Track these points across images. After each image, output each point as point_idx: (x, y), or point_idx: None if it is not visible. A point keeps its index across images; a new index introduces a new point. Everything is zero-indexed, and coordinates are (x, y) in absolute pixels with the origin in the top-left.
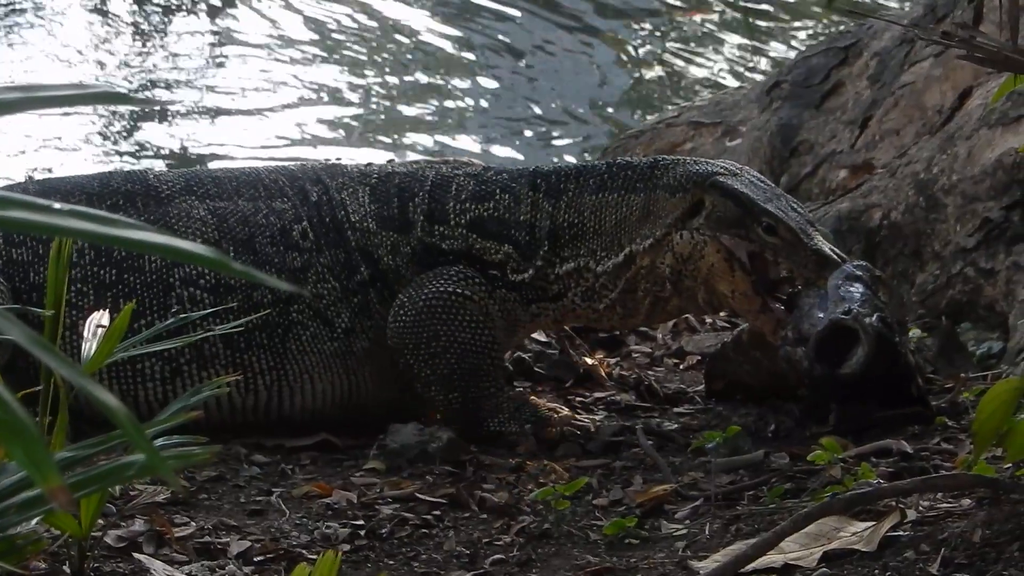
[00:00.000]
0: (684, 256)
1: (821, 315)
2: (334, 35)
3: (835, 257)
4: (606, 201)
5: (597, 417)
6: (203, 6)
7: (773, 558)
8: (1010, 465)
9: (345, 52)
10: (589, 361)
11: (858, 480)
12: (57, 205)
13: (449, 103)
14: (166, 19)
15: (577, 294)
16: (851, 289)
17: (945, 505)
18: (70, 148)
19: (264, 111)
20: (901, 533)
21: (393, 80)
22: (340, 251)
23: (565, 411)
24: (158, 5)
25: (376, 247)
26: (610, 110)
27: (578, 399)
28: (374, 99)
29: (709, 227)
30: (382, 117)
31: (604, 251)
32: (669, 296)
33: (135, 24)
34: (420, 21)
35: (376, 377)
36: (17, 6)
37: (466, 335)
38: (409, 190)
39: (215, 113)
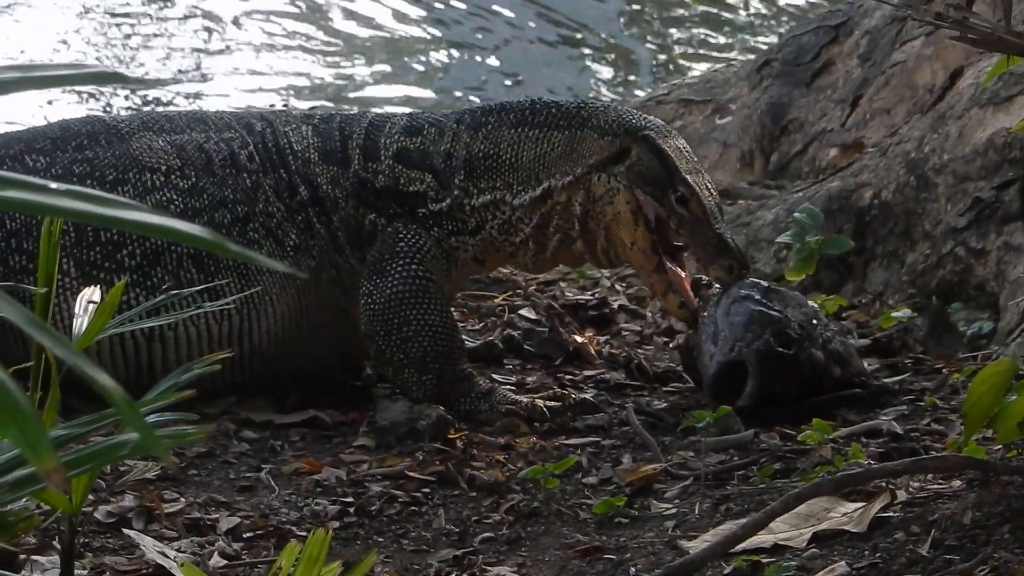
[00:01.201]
0: (596, 197)
1: (713, 352)
2: (324, 23)
3: (734, 247)
4: (525, 136)
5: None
6: None
7: (763, 538)
8: (1000, 447)
9: (332, 40)
10: (579, 339)
11: (848, 461)
12: (53, 185)
13: (425, 91)
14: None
15: (494, 227)
16: (736, 319)
17: (935, 486)
18: None
19: (250, 91)
20: (891, 514)
21: (385, 73)
22: (283, 172)
23: (538, 402)
24: None
25: (316, 176)
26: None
27: (567, 377)
28: (357, 84)
29: (627, 177)
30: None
31: (521, 185)
32: (576, 237)
33: (126, 10)
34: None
35: (320, 300)
36: None
37: (436, 317)
38: (349, 128)
39: (199, 96)
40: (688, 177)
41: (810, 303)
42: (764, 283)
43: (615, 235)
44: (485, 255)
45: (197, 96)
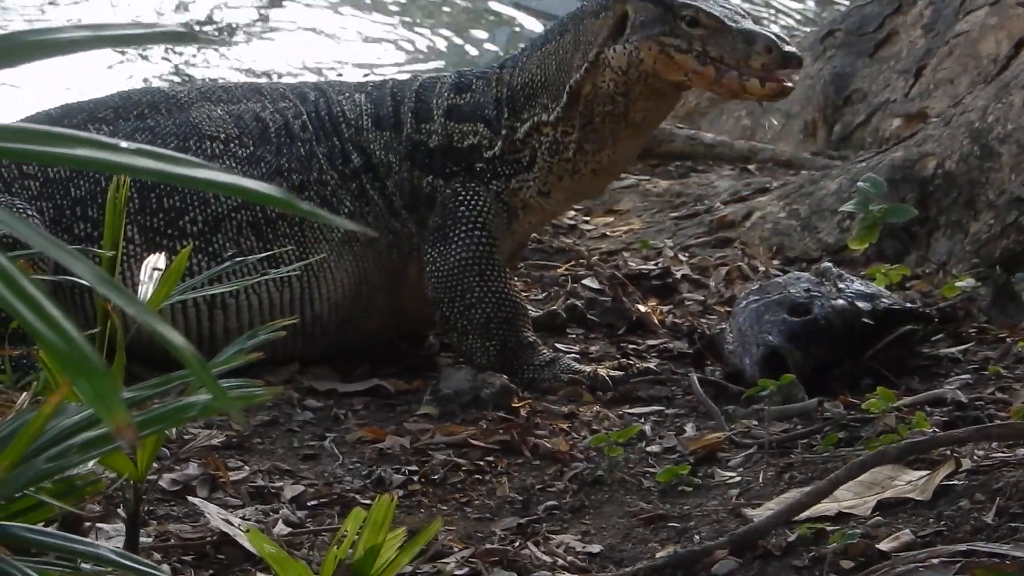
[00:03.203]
0: (624, 68)
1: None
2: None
3: (761, 31)
4: (547, 52)
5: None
6: None
7: (827, 506)
8: None
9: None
10: (642, 308)
11: (912, 429)
12: (124, 144)
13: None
14: None
15: (545, 152)
16: (745, 322)
17: (1000, 455)
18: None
19: (306, 52)
20: (956, 482)
21: (439, 36)
22: (335, 140)
23: (601, 371)
24: None
25: (369, 142)
26: None
27: (631, 347)
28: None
29: (637, 34)
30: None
31: (553, 100)
32: (625, 109)
33: None
34: None
35: (379, 265)
36: None
37: (499, 284)
38: (400, 93)
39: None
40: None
41: (806, 274)
42: (757, 286)
43: (667, 79)
44: (549, 185)
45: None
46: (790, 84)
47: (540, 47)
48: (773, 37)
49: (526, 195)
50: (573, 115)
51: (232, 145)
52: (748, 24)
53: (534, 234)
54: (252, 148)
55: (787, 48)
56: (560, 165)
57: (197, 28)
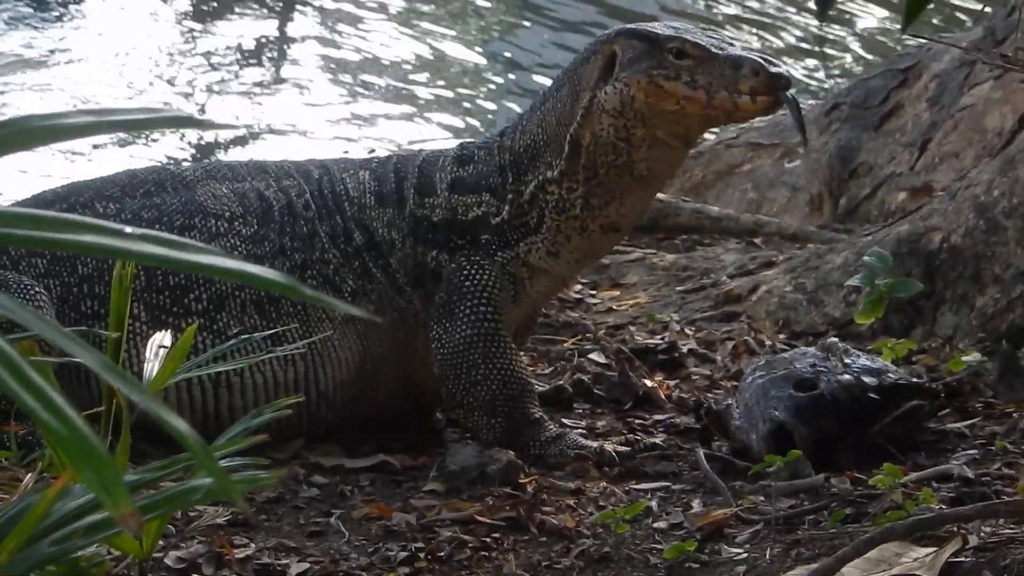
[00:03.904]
0: (618, 108)
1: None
2: (385, 61)
3: (748, 55)
4: (546, 109)
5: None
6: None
7: None
8: None
9: (395, 76)
10: (648, 383)
11: (919, 505)
12: (128, 230)
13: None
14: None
15: (551, 211)
16: (751, 399)
17: (1007, 531)
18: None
19: (314, 135)
20: (963, 559)
21: (441, 116)
22: (338, 219)
23: (608, 447)
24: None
25: (372, 220)
26: None
27: (637, 422)
28: (426, 124)
29: (625, 71)
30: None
31: (555, 155)
32: (628, 159)
33: (188, 40)
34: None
35: (383, 342)
36: (72, 15)
37: (504, 361)
38: (404, 169)
39: (265, 135)
40: (670, 33)
41: (811, 348)
42: (763, 361)
43: (662, 113)
44: (558, 245)
45: (260, 136)
46: (781, 96)
47: (539, 107)
48: (760, 60)
49: (535, 258)
50: (576, 168)
51: (236, 223)
52: (735, 50)
53: (542, 308)
54: (256, 227)
55: (774, 69)
56: (568, 223)
57: (200, 112)
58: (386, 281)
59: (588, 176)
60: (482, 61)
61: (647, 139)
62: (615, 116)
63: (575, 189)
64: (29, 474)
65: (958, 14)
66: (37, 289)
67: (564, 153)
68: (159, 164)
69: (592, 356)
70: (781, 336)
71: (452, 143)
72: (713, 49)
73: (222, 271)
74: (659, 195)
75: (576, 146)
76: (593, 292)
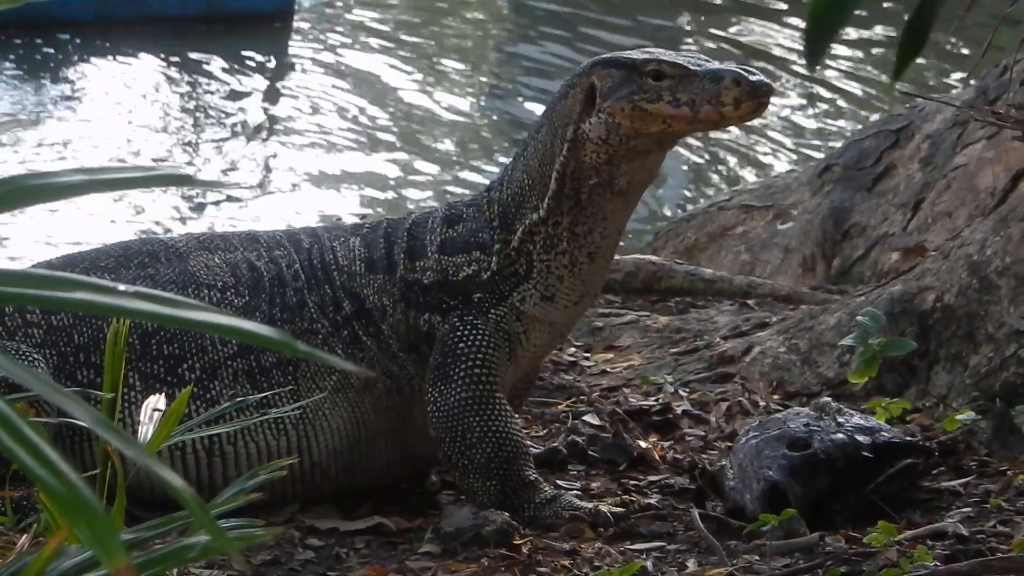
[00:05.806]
0: (604, 137)
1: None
2: (376, 123)
3: (727, 68)
4: (528, 154)
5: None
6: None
7: None
8: None
9: (392, 133)
10: (643, 444)
11: (914, 563)
12: (122, 287)
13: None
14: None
15: (540, 252)
16: (745, 459)
17: None
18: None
19: (308, 193)
20: None
21: (435, 169)
22: (327, 288)
23: (603, 508)
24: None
25: (362, 287)
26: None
27: (632, 483)
28: (420, 183)
29: (607, 100)
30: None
31: (540, 197)
32: (610, 177)
33: (183, 106)
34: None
35: (377, 409)
36: (65, 75)
37: (500, 423)
38: (394, 234)
39: (258, 192)
40: (645, 55)
41: (805, 408)
42: (757, 421)
43: (648, 134)
44: (551, 288)
45: (255, 193)
46: (765, 101)
47: (522, 154)
48: (739, 70)
49: (529, 306)
50: (561, 200)
51: (228, 294)
52: (712, 65)
53: (540, 368)
54: (247, 297)
55: (754, 78)
56: (557, 260)
57: (195, 171)
58: (377, 348)
59: (572, 204)
60: (478, 116)
61: (629, 156)
62: (601, 144)
63: (560, 223)
64: (24, 535)
65: (946, 80)
66: (34, 356)
67: (549, 191)
68: (152, 235)
69: (586, 418)
70: (775, 397)
71: (448, 197)
72: (691, 67)
73: (215, 327)
74: (652, 258)
75: (561, 179)
76: (587, 355)
